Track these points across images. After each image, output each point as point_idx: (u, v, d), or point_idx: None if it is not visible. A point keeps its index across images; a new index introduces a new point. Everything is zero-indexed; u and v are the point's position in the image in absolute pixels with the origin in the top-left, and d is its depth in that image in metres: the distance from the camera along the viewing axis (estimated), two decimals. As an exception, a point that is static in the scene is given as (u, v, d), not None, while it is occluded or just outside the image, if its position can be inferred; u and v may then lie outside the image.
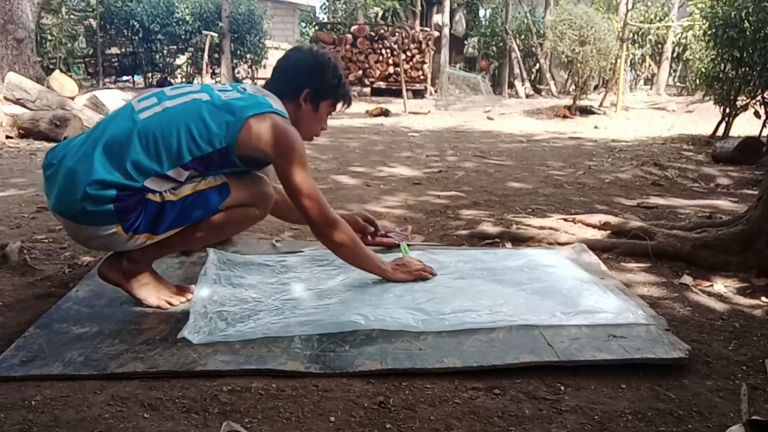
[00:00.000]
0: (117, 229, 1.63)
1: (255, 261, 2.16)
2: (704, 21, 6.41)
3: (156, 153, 1.63)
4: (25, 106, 6.19)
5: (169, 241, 1.76)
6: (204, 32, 12.78)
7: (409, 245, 2.35)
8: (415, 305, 1.76)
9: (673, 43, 13.31)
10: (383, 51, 13.44)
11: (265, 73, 15.65)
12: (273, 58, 16.41)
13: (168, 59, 14.72)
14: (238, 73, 15.04)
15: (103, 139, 1.64)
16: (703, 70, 6.66)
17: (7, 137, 5.56)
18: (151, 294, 1.79)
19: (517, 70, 14.32)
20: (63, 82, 7.61)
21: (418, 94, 13.40)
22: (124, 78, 15.20)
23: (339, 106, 1.99)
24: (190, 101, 1.73)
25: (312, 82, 1.89)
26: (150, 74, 14.93)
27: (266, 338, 1.57)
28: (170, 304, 1.80)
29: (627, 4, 11.55)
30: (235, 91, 1.80)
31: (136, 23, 13.91)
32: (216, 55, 13.84)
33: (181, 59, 14.94)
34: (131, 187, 1.61)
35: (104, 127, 1.69)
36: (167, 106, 1.71)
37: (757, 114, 6.11)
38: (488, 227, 2.74)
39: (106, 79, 14.21)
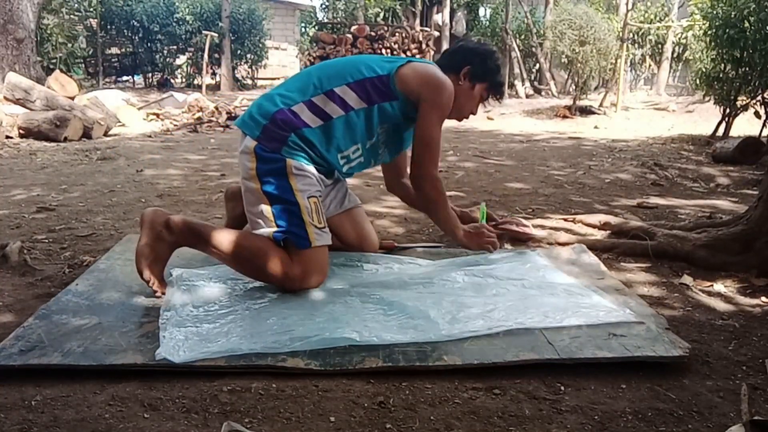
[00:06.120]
0: (252, 144, 1.84)
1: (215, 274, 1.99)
2: (704, 21, 6.40)
3: (304, 84, 1.91)
4: (25, 106, 6.19)
5: (202, 239, 1.82)
6: (204, 32, 12.79)
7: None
8: (408, 324, 1.65)
9: (673, 43, 13.29)
10: (383, 51, 13.40)
11: (266, 73, 15.65)
12: (273, 58, 16.43)
13: (168, 59, 14.73)
14: (238, 72, 15.04)
15: None
16: (704, 70, 6.64)
17: (7, 137, 5.56)
18: (146, 262, 1.80)
19: (517, 70, 14.29)
20: (63, 82, 7.61)
21: (418, 94, 13.39)
22: (124, 78, 15.22)
23: (493, 95, 2.15)
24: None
25: (474, 61, 2.06)
26: (150, 74, 14.94)
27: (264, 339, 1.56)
28: (153, 286, 1.80)
29: (627, 4, 11.54)
30: None
31: (136, 23, 13.93)
32: (216, 55, 13.85)
33: (181, 59, 14.95)
34: (283, 113, 1.84)
35: None
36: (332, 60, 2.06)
37: (757, 114, 6.09)
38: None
39: (106, 79, 14.21)
